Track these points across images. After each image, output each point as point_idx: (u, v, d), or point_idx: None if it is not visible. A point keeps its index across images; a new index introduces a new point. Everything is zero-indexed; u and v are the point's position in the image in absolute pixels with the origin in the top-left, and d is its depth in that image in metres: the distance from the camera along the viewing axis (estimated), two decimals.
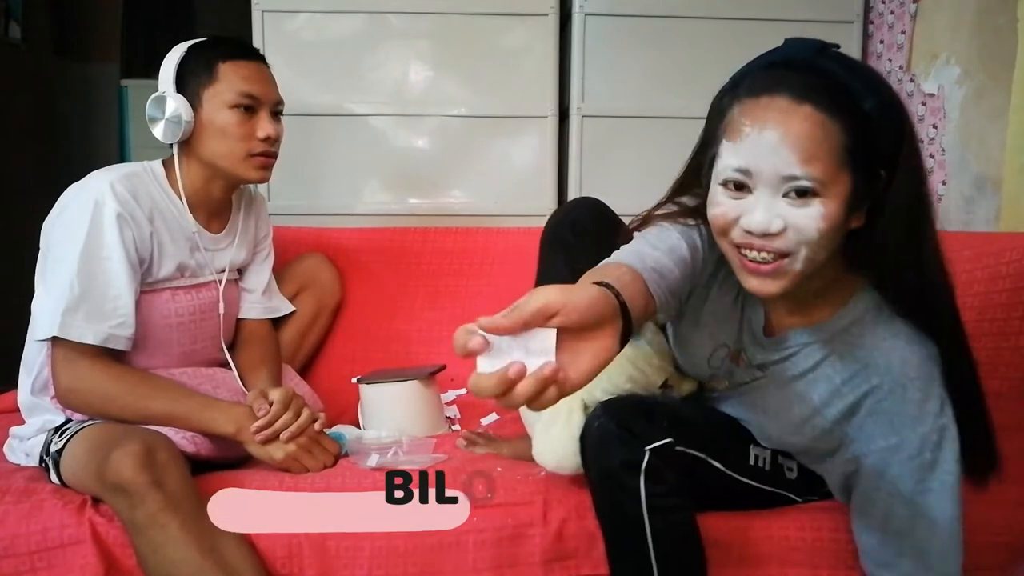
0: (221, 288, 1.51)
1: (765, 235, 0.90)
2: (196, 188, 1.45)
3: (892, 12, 1.99)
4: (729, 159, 0.92)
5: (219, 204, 1.51)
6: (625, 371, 1.18)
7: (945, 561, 0.97)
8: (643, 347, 1.20)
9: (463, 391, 1.84)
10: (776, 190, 0.89)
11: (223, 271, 1.51)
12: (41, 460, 1.34)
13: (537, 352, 0.71)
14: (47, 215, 1.38)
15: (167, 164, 1.46)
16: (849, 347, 1.01)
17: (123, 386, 1.30)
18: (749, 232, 0.91)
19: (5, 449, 1.43)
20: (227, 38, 1.47)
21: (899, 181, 0.91)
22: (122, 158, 3.48)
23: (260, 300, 1.62)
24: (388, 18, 2.03)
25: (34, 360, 1.39)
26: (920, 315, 0.98)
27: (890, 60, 1.99)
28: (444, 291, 1.93)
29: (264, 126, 1.43)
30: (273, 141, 1.45)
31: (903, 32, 1.94)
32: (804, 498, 1.18)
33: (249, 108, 1.42)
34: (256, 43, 1.99)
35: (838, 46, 0.93)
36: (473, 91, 2.05)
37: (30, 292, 1.38)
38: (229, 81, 1.41)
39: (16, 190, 2.80)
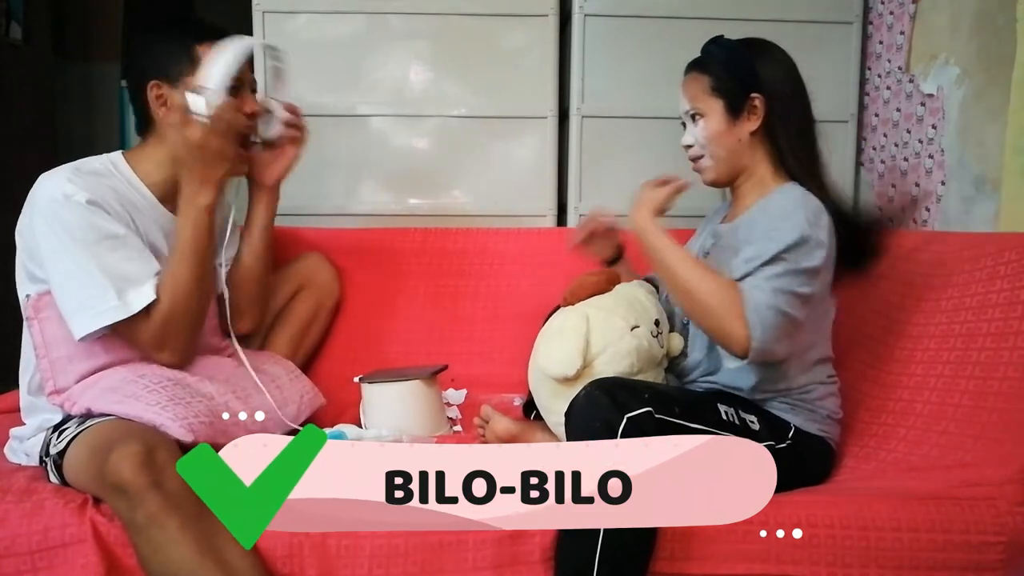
0: (223, 272, 1.51)
1: (686, 147, 1.46)
2: (167, 174, 1.43)
3: (891, 13, 1.99)
4: None
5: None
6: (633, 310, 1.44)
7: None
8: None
9: (464, 392, 1.85)
10: (688, 119, 1.45)
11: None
12: (41, 460, 1.34)
13: None
14: None
15: (132, 156, 1.44)
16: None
17: (173, 289, 1.35)
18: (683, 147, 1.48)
19: (6, 450, 1.44)
20: (188, 18, 1.48)
21: (769, 95, 1.38)
22: None
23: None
24: (388, 19, 2.04)
25: (29, 361, 1.39)
26: (802, 176, 1.39)
27: (889, 61, 2.00)
28: (444, 291, 1.94)
29: (250, 102, 1.46)
30: (257, 116, 1.47)
31: (902, 32, 1.94)
32: (765, 444, 1.25)
33: (234, 88, 1.42)
34: None
35: (722, 36, 1.44)
36: (473, 91, 2.06)
37: None
38: None
39: (16, 190, 2.79)
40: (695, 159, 1.46)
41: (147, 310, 1.34)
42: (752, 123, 1.40)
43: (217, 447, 1.30)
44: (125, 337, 1.36)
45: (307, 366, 1.81)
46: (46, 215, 1.32)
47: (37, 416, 1.38)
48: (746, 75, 1.39)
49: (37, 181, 1.38)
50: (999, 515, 1.18)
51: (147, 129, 1.44)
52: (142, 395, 1.30)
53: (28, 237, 1.36)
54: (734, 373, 1.35)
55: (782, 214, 1.31)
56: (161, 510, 1.13)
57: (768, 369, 1.33)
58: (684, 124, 1.47)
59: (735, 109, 1.40)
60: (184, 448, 1.24)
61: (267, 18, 2.01)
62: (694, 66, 1.45)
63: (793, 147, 1.39)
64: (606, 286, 1.47)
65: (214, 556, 1.13)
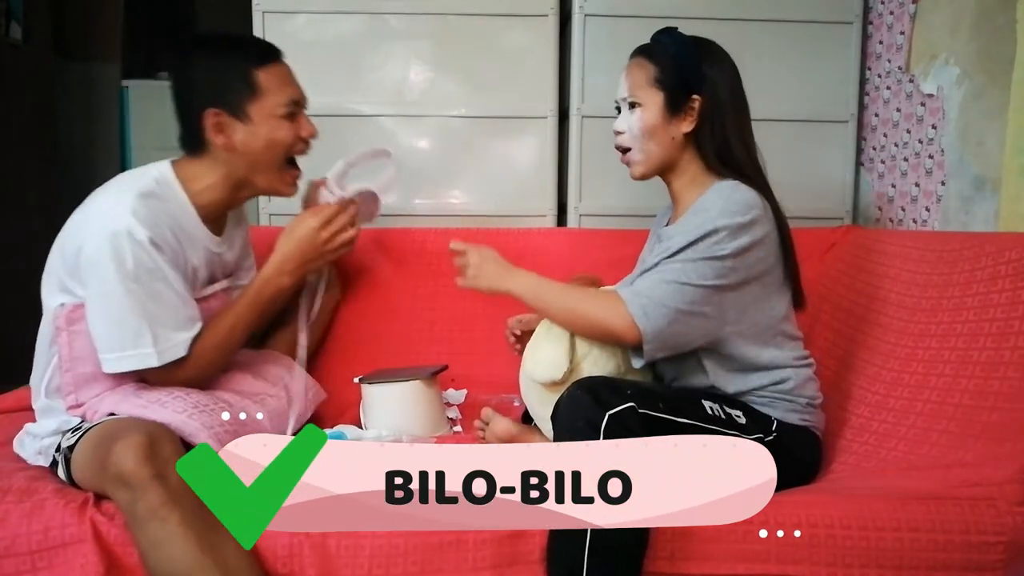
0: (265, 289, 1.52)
1: (617, 133, 1.43)
2: (217, 197, 1.43)
3: (891, 13, 1.99)
4: None
5: (228, 212, 1.51)
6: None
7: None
8: None
9: (464, 392, 1.85)
10: (625, 106, 1.43)
11: (225, 277, 1.53)
12: (53, 458, 1.34)
13: None
14: (46, 216, 1.37)
15: (183, 172, 1.41)
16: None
17: (213, 348, 1.39)
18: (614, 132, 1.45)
19: (15, 443, 1.43)
20: (243, 40, 1.44)
21: (708, 99, 1.38)
22: (122, 158, 3.48)
23: None
24: (388, 19, 2.04)
25: (45, 364, 1.39)
26: (733, 175, 1.38)
27: (889, 61, 2.00)
28: (444, 291, 1.93)
29: (307, 126, 1.45)
30: (312, 138, 1.47)
31: (902, 32, 1.94)
32: (753, 437, 1.29)
33: (291, 114, 1.42)
34: None
35: (675, 29, 1.44)
36: (473, 91, 2.06)
37: (29, 292, 1.38)
38: (273, 93, 1.40)
39: (16, 190, 2.80)
40: (623, 150, 1.44)
41: (173, 364, 1.36)
42: (687, 124, 1.39)
43: None
44: (149, 374, 1.36)
45: (308, 366, 1.81)
46: (102, 244, 1.29)
47: (55, 418, 1.38)
48: (692, 74, 1.38)
49: (96, 201, 1.36)
50: (999, 515, 1.18)
51: (199, 150, 1.42)
52: (167, 401, 1.32)
53: (73, 255, 1.33)
54: (710, 375, 1.36)
55: (701, 209, 1.33)
56: (163, 504, 1.13)
57: (726, 359, 1.35)
58: (619, 110, 1.45)
59: (674, 106, 1.39)
60: (187, 445, 1.24)
61: (267, 18, 2.01)
62: (641, 52, 1.44)
63: (722, 152, 1.39)
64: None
65: (213, 554, 1.13)
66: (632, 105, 1.41)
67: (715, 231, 1.29)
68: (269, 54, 1.43)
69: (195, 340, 1.38)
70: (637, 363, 1.32)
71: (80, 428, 1.32)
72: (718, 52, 1.43)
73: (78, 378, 1.35)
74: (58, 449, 1.32)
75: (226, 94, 1.38)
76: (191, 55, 1.42)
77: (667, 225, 1.49)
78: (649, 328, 1.27)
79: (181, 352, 1.35)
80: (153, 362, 1.32)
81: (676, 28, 1.44)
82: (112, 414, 1.32)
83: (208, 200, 1.42)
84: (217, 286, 1.51)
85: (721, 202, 1.32)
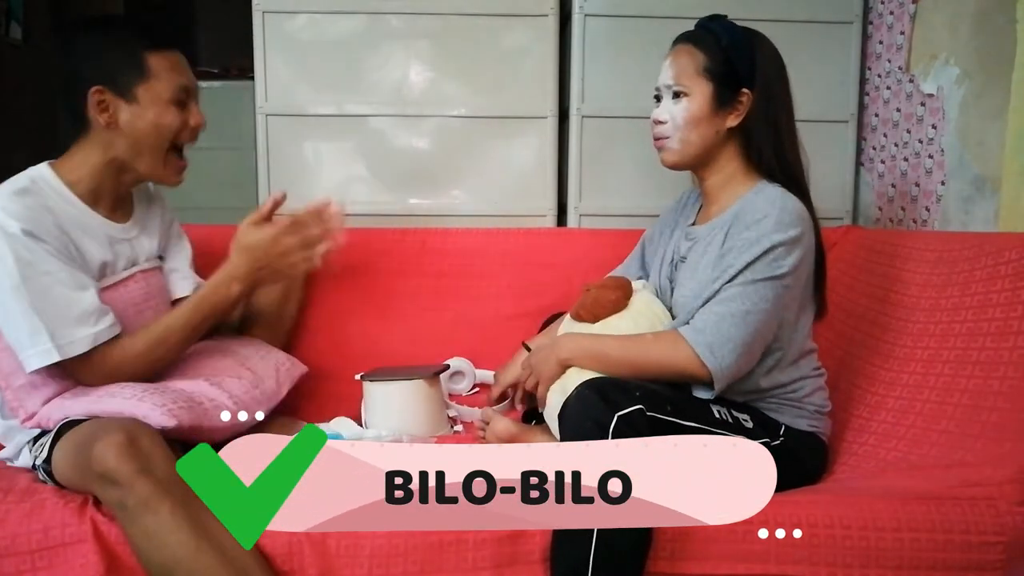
0: (187, 275, 1.54)
1: (657, 122, 1.41)
2: (99, 183, 1.39)
3: (891, 13, 1.99)
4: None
5: (123, 196, 1.47)
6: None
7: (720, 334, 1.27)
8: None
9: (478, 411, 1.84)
10: (668, 94, 1.39)
11: (147, 259, 1.50)
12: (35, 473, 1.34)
13: None
14: None
15: (60, 165, 1.39)
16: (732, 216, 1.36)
17: (145, 346, 1.35)
18: (654, 121, 1.42)
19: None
20: (135, 22, 1.41)
21: (759, 94, 1.35)
22: None
23: (190, 275, 1.61)
24: (388, 19, 2.04)
25: None
26: (778, 176, 1.37)
27: (889, 61, 2.00)
28: (444, 291, 1.94)
29: (195, 115, 1.42)
30: (201, 128, 1.43)
31: (902, 32, 1.94)
32: (760, 442, 1.24)
33: (180, 103, 1.39)
34: (256, 43, 2.00)
35: (725, 17, 1.40)
36: (473, 91, 2.06)
37: None
38: (162, 78, 1.37)
39: None
40: (662, 137, 1.41)
41: (92, 352, 1.31)
42: (734, 119, 1.36)
43: (201, 430, 1.30)
44: (80, 376, 1.33)
45: (305, 361, 1.80)
46: None
47: (16, 436, 1.38)
48: (744, 67, 1.35)
49: None
50: (999, 515, 1.18)
51: (80, 131, 1.38)
52: (116, 391, 1.31)
53: None
54: (726, 391, 1.34)
55: (753, 221, 1.30)
56: (152, 495, 1.13)
57: (750, 376, 1.34)
58: (658, 97, 1.42)
59: (723, 99, 1.35)
60: (166, 436, 1.23)
61: (267, 18, 2.01)
62: (689, 39, 1.40)
63: (776, 150, 1.36)
64: (625, 302, 1.42)
65: (209, 538, 1.13)
66: (677, 94, 1.38)
67: (772, 248, 1.27)
68: (161, 40, 1.39)
69: (124, 336, 1.34)
70: (703, 395, 1.30)
71: (43, 441, 1.31)
72: (769, 45, 1.39)
73: (18, 392, 1.33)
74: (34, 466, 1.32)
75: (115, 75, 1.35)
76: (79, 33, 1.39)
77: (694, 224, 1.47)
78: (718, 367, 1.26)
79: (85, 347, 1.29)
80: (55, 356, 1.27)
81: (725, 16, 1.41)
82: (67, 417, 1.30)
83: (90, 186, 1.39)
84: (134, 268, 1.46)
85: (775, 213, 1.29)
